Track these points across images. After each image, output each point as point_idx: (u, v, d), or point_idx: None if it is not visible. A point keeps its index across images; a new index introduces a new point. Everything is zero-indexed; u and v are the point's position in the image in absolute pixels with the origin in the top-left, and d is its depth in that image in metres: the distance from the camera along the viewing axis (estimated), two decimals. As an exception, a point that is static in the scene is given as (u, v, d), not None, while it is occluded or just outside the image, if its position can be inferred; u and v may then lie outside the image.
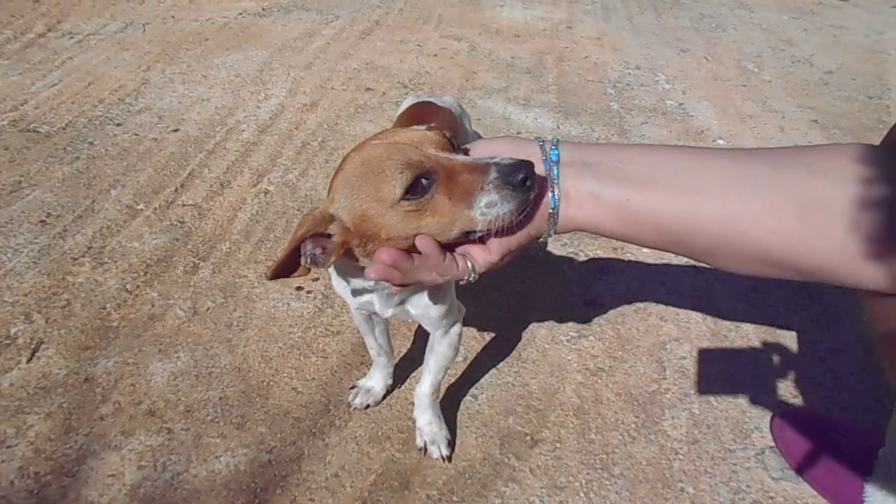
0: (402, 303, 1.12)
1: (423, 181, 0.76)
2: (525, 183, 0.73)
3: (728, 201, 0.70)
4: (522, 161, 0.74)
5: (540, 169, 0.78)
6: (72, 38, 3.18)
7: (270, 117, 2.67)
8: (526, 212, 0.76)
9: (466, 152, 0.83)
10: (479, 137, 1.72)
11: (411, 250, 0.80)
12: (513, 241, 0.80)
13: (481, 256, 0.81)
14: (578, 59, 3.36)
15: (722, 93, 3.08)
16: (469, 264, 0.82)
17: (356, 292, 1.09)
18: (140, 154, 2.37)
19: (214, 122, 2.61)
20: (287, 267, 0.83)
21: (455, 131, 1.44)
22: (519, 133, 2.65)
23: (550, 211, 0.77)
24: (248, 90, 2.87)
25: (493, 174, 0.74)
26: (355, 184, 0.79)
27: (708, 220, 0.71)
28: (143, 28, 3.35)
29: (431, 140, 0.80)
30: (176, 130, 2.53)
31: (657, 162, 0.76)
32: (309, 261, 0.82)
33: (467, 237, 0.80)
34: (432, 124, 0.88)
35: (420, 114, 1.44)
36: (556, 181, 0.77)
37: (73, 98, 2.68)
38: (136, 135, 2.48)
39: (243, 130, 2.57)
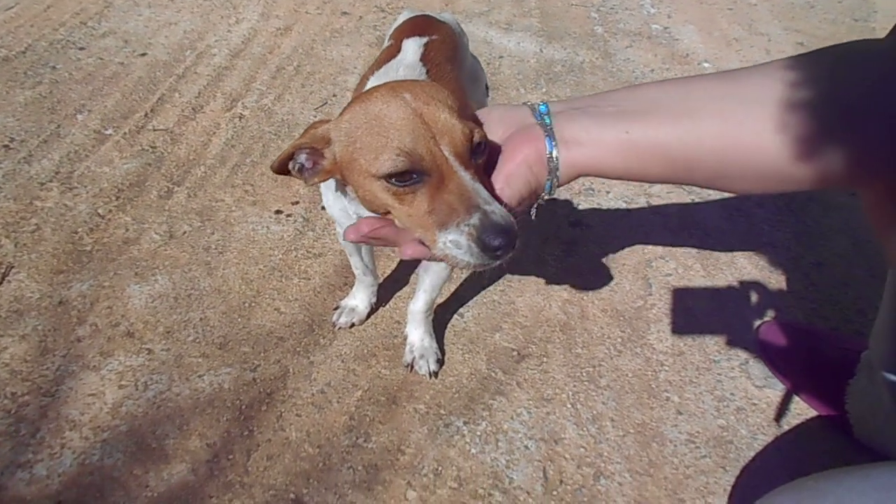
0: None
1: (413, 175, 0.71)
2: (497, 251, 0.68)
3: (727, 117, 0.67)
4: (509, 227, 0.68)
5: (533, 129, 0.74)
6: (27, -41, 2.99)
7: (243, 41, 2.55)
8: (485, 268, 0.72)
9: (482, 167, 0.75)
10: (475, 58, 1.65)
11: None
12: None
13: None
14: (562, -17, 3.25)
15: (707, 16, 3.01)
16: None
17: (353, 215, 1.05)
18: (106, 78, 2.26)
19: (184, 46, 2.49)
20: (283, 167, 0.81)
21: (454, 48, 1.37)
22: (501, 57, 2.57)
23: (548, 155, 0.72)
24: (218, 14, 2.74)
25: (474, 219, 0.68)
26: (359, 129, 0.74)
27: (711, 140, 0.68)
28: (103, -50, 3.16)
29: (454, 136, 0.72)
30: (143, 55, 2.41)
31: (649, 95, 0.73)
32: (296, 169, 0.80)
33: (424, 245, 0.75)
34: (463, 118, 0.78)
35: (419, 25, 1.37)
36: (549, 126, 0.72)
37: (31, 21, 2.53)
38: (100, 59, 2.36)
39: (214, 55, 2.45)
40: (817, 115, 0.64)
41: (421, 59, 1.21)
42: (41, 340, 1.39)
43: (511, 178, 0.73)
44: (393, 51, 1.25)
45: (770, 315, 1.57)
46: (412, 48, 1.23)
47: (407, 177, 0.71)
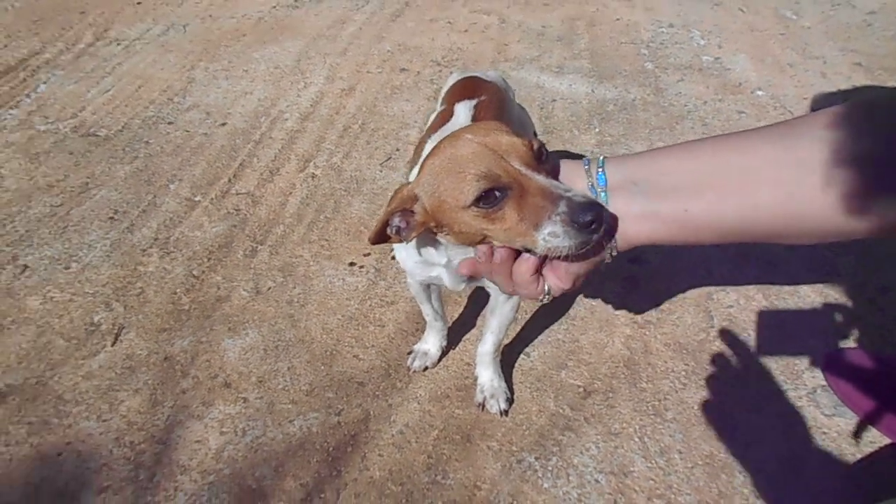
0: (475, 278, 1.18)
1: (497, 193, 0.80)
2: (591, 226, 0.75)
3: (782, 188, 0.71)
4: (593, 203, 0.76)
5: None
6: (119, 44, 3.32)
7: (311, 104, 2.76)
8: (587, 249, 0.78)
9: (552, 169, 0.85)
10: (522, 108, 1.77)
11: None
12: (581, 268, 0.83)
13: (555, 282, 0.85)
14: (610, 22, 3.34)
15: (759, 43, 3.03)
16: (546, 286, 0.86)
17: (428, 266, 1.17)
18: (193, 149, 2.49)
19: (259, 113, 2.71)
20: (380, 236, 0.92)
21: (501, 104, 1.49)
22: (554, 101, 2.68)
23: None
24: (288, 80, 2.97)
25: (562, 207, 0.76)
26: (438, 175, 0.85)
27: (766, 212, 0.72)
28: (183, 29, 3.48)
29: (519, 151, 0.82)
30: (224, 124, 2.64)
31: (704, 165, 0.77)
32: (394, 232, 0.91)
33: (531, 252, 0.83)
34: (519, 134, 0.88)
35: (468, 88, 1.50)
36: (606, 206, 0.80)
37: (126, 101, 2.82)
38: (187, 131, 2.60)
39: (287, 119, 2.66)
40: (867, 171, 0.67)
41: (472, 120, 1.33)
42: (152, 393, 1.55)
43: None
44: (446, 115, 1.37)
45: (836, 343, 1.58)
46: (463, 111, 1.36)
47: (491, 197, 0.80)
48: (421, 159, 1.25)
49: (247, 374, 1.60)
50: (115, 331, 1.72)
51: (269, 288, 1.85)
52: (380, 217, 0.90)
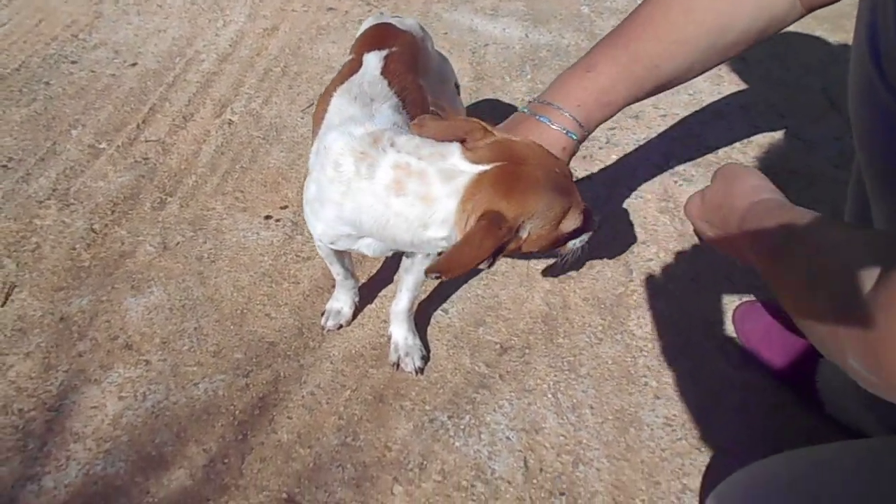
0: None
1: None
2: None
3: None
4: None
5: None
6: (17, -27, 3.04)
7: (230, 45, 2.59)
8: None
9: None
10: (443, 58, 1.68)
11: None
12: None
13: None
14: (548, -37, 3.23)
15: (695, -11, 2.98)
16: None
17: (354, 239, 1.15)
18: (98, 91, 2.31)
19: (173, 53, 2.53)
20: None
21: (415, 55, 1.41)
22: (486, 45, 2.58)
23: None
24: (206, 18, 2.77)
25: (595, 218, 1.07)
26: (551, 204, 0.96)
27: None
28: (91, -42, 3.20)
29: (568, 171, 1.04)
30: (134, 65, 2.46)
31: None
32: (487, 266, 0.96)
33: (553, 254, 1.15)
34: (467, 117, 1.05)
35: (379, 37, 1.40)
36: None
37: (24, 37, 2.58)
38: (92, 72, 2.41)
39: (203, 60, 2.49)
40: None
41: (382, 73, 1.24)
42: (45, 357, 1.46)
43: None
44: (354, 65, 1.28)
45: (747, 296, 1.60)
46: (373, 62, 1.27)
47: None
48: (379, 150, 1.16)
49: (150, 334, 1.52)
50: (6, 290, 1.60)
51: (178, 243, 1.75)
52: (472, 255, 0.89)
